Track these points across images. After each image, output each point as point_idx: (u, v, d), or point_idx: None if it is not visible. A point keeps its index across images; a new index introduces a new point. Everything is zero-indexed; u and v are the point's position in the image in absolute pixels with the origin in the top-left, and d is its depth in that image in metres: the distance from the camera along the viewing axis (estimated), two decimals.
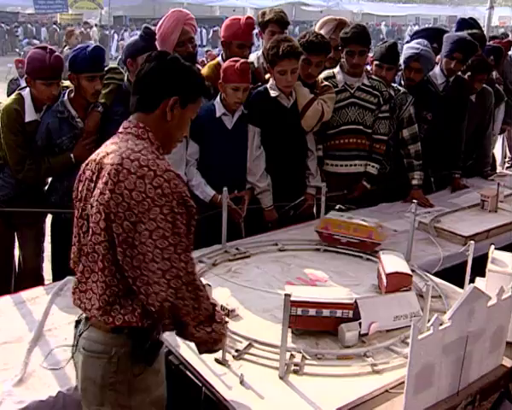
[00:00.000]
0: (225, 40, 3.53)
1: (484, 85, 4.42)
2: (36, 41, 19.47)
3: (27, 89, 3.15)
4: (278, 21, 3.68)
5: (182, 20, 3.26)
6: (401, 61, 3.99)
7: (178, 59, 1.80)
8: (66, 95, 3.15)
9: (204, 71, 3.49)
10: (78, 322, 1.81)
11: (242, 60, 3.20)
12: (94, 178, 1.69)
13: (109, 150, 1.69)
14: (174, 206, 1.61)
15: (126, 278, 1.63)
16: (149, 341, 1.70)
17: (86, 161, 1.77)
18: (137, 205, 1.58)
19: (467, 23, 4.79)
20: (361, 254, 2.93)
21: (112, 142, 1.74)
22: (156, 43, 3.21)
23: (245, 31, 3.45)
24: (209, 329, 1.72)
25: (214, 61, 3.54)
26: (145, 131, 1.72)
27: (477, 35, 4.40)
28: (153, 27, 3.33)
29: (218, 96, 3.29)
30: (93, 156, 1.75)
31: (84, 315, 1.77)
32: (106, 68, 3.26)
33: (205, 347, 1.80)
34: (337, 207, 3.19)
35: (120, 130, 1.76)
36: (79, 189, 1.76)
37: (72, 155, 3.10)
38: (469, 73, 4.25)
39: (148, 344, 1.69)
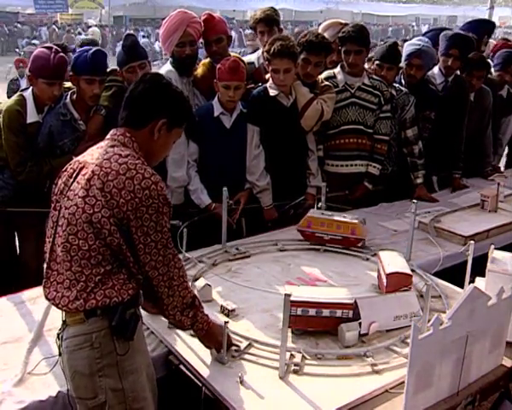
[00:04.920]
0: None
1: (482, 85, 4.42)
2: (36, 41, 19.50)
3: (29, 90, 3.15)
4: (264, 20, 3.71)
5: (186, 22, 3.25)
6: (402, 59, 3.98)
7: (171, 84, 1.95)
8: (68, 97, 3.14)
9: (199, 70, 3.48)
10: (58, 334, 1.83)
11: (232, 58, 3.21)
12: (74, 175, 1.81)
13: (95, 154, 1.82)
14: (160, 206, 1.74)
15: (100, 263, 1.73)
16: (126, 313, 1.75)
17: (71, 162, 1.88)
18: (126, 204, 1.70)
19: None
20: (361, 255, 2.94)
21: (98, 146, 1.86)
22: (159, 39, 3.23)
23: (206, 27, 3.39)
24: (180, 317, 1.87)
25: (207, 60, 3.52)
26: (131, 140, 1.84)
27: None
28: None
29: (216, 96, 3.29)
30: (78, 157, 1.88)
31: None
32: (108, 70, 3.26)
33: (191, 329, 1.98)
34: (319, 205, 3.19)
35: (108, 137, 1.87)
36: (58, 184, 1.86)
37: (74, 157, 3.09)
38: (467, 71, 4.25)
39: (126, 315, 1.75)
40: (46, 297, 1.81)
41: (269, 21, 3.72)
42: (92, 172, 1.74)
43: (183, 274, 1.85)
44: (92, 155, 1.81)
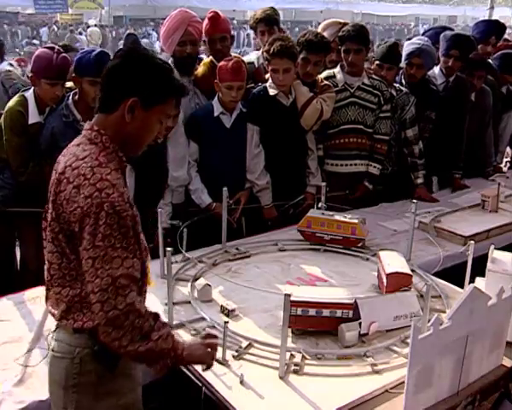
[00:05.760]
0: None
1: (483, 85, 4.42)
2: (36, 41, 19.49)
3: (30, 90, 3.14)
4: (264, 20, 3.75)
5: (186, 21, 3.27)
6: (402, 59, 3.98)
7: (147, 56, 1.67)
8: (70, 98, 3.12)
9: (200, 70, 3.48)
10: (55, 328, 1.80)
11: (235, 59, 3.22)
12: (55, 182, 1.67)
13: (63, 155, 1.66)
14: (101, 217, 1.50)
15: (75, 282, 1.62)
16: None
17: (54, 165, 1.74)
18: (70, 215, 1.55)
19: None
20: (361, 255, 2.94)
21: (70, 145, 1.69)
22: (160, 39, 3.23)
23: (211, 25, 3.40)
24: (138, 346, 1.55)
25: (208, 59, 3.52)
26: (99, 134, 1.62)
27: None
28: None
29: (216, 96, 3.29)
30: (58, 158, 1.71)
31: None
32: None
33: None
34: (319, 204, 3.20)
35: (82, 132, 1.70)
36: (49, 197, 1.72)
37: None
38: (468, 71, 4.25)
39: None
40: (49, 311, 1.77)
41: (269, 21, 3.74)
42: (53, 182, 1.62)
43: (139, 307, 1.53)
44: (63, 158, 1.65)
